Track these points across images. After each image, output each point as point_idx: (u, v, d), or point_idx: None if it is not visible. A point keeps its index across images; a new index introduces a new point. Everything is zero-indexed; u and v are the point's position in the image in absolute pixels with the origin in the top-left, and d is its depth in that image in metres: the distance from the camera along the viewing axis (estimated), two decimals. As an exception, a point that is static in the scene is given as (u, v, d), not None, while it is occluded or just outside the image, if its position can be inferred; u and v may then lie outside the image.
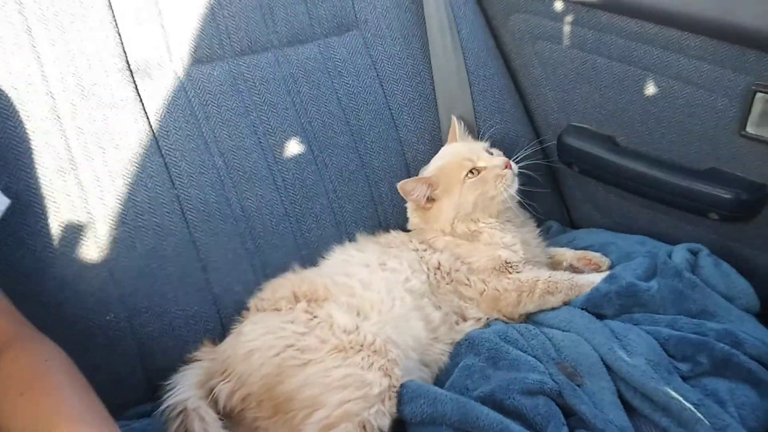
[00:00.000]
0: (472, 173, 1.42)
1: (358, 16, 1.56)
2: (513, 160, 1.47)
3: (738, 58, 1.26)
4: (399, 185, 1.43)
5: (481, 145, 1.51)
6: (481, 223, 1.44)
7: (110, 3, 1.27)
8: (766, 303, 1.32)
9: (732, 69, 1.28)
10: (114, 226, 1.24)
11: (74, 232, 1.21)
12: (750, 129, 1.29)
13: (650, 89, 1.43)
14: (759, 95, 1.25)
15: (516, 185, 1.44)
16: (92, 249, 1.22)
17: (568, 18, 1.50)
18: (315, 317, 1.20)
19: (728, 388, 1.15)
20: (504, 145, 1.56)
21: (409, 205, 1.51)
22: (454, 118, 1.55)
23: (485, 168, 1.42)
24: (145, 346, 1.26)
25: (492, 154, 1.48)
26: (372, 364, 1.12)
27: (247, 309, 1.31)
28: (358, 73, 1.55)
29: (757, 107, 1.27)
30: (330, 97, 1.51)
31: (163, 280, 1.28)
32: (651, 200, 1.52)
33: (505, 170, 1.41)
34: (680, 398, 1.09)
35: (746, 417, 1.12)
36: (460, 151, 1.47)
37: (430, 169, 1.51)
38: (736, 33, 1.24)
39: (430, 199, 1.46)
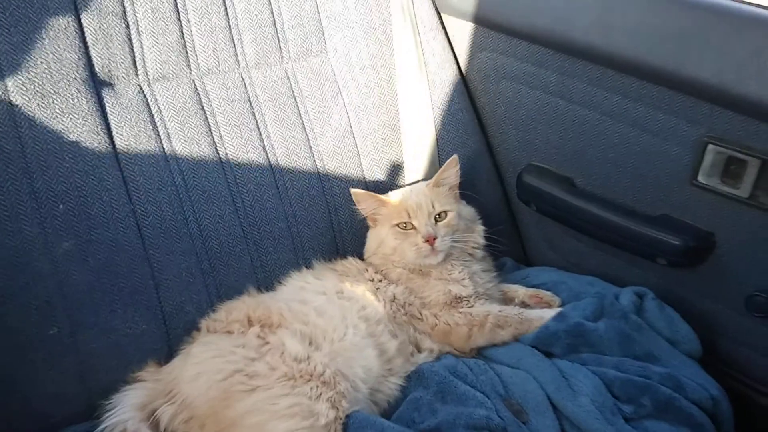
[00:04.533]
0: (405, 225, 1.44)
1: (327, 43, 1.57)
2: (457, 239, 1.45)
3: (692, 109, 1.31)
4: (352, 190, 1.45)
5: (441, 202, 1.47)
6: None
7: (77, 12, 1.25)
8: (707, 349, 1.35)
9: (686, 120, 1.32)
10: (66, 238, 1.21)
11: (24, 243, 1.17)
12: (701, 178, 1.33)
13: (608, 134, 1.47)
14: (710, 147, 1.30)
15: (439, 258, 1.42)
16: (42, 261, 1.19)
17: (533, 60, 1.54)
18: (267, 343, 1.19)
19: (669, 431, 1.17)
20: (463, 179, 1.58)
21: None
22: (455, 157, 1.51)
23: (413, 229, 1.43)
24: (88, 364, 1.23)
25: (443, 216, 1.45)
26: (320, 395, 1.11)
27: (198, 329, 1.30)
28: (324, 99, 1.55)
29: (708, 158, 1.31)
30: (294, 121, 1.51)
31: (113, 295, 1.25)
32: (603, 242, 1.55)
33: (424, 244, 1.41)
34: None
35: (685, 461, 1.15)
36: (412, 198, 1.46)
37: (394, 192, 1.53)
38: (691, 85, 1.28)
39: (374, 219, 1.48)
